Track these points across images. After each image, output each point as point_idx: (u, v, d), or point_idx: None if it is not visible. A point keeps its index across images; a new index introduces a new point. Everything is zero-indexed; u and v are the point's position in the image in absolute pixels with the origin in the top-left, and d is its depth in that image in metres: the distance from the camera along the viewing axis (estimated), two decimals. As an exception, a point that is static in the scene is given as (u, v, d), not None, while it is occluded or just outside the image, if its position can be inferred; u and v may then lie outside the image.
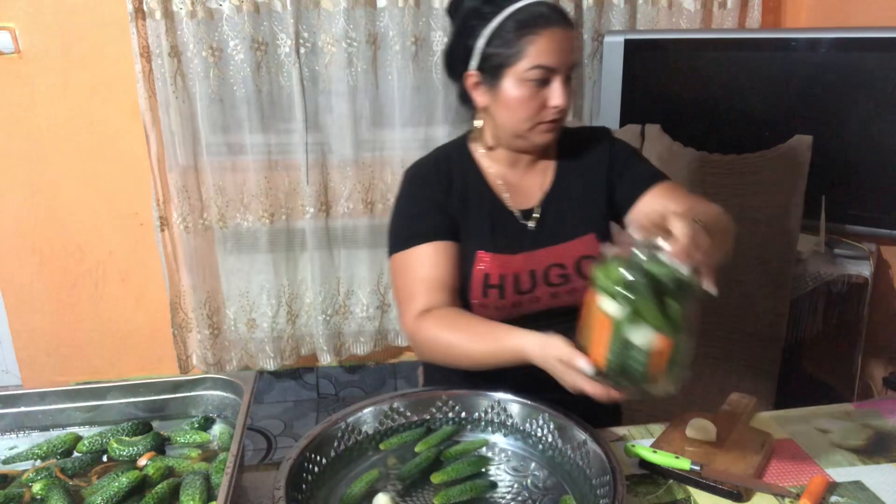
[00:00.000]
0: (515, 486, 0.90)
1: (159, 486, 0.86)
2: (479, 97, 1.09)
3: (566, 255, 1.10)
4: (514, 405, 0.98)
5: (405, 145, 2.26)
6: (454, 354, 1.00)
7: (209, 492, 0.84)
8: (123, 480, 0.86)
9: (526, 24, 1.01)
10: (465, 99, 1.14)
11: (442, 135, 2.26)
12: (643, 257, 0.75)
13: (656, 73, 2.09)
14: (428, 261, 1.06)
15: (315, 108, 2.20)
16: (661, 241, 0.77)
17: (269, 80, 2.15)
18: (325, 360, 2.43)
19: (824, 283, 1.94)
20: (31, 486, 0.88)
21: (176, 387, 1.03)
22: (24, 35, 2.09)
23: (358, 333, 2.45)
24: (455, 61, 1.10)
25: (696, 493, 0.90)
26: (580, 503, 0.83)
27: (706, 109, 2.07)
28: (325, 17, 2.11)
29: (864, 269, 1.92)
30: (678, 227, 0.76)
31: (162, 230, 2.22)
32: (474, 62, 1.05)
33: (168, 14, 2.02)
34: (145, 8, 2.01)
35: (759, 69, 1.95)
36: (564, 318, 1.05)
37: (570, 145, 1.17)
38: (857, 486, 0.91)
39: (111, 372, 2.43)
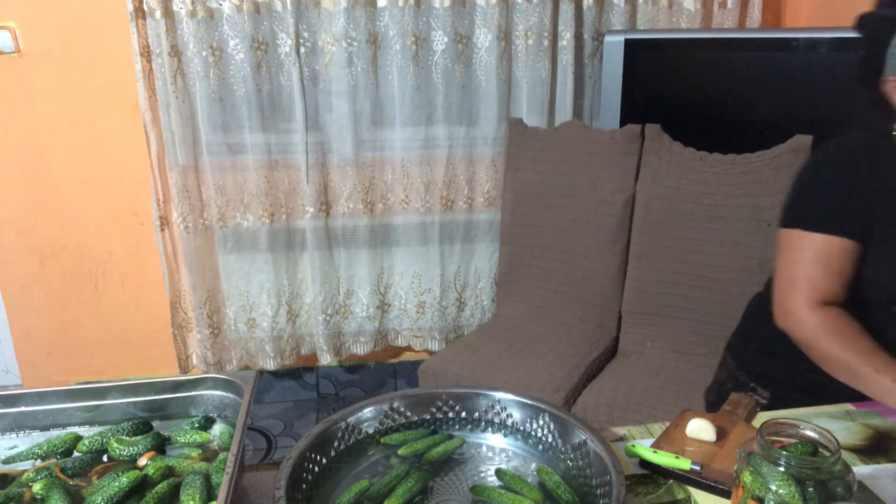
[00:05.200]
0: (515, 485, 0.90)
1: (159, 485, 0.86)
2: None
3: None
4: (514, 405, 0.98)
5: (405, 145, 2.26)
6: (825, 357, 1.05)
7: (209, 492, 0.84)
8: (123, 480, 0.86)
9: None
10: (878, 103, 1.11)
11: (442, 135, 2.26)
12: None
13: (656, 73, 2.09)
14: (834, 253, 1.06)
15: (315, 107, 2.20)
16: None
17: (269, 80, 2.15)
18: (325, 359, 2.43)
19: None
20: (31, 486, 0.88)
21: (176, 387, 1.03)
22: (24, 35, 2.09)
23: (358, 333, 2.45)
24: (868, 71, 1.09)
25: (696, 493, 0.90)
26: (581, 502, 0.83)
27: (706, 109, 2.07)
28: (325, 17, 2.11)
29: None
30: None
31: (162, 230, 2.22)
32: (888, 68, 1.05)
33: (168, 14, 2.02)
34: (145, 7, 2.01)
35: (759, 69, 1.95)
36: None
37: None
38: (858, 486, 0.91)
39: (111, 372, 2.44)
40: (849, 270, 1.07)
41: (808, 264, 1.08)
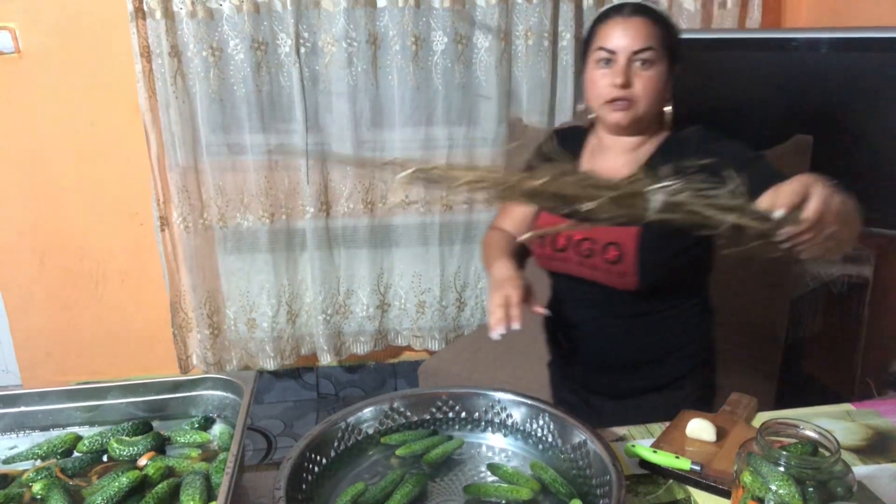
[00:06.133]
0: (515, 486, 0.90)
1: (159, 486, 0.86)
2: None
3: (602, 235, 1.21)
4: (514, 405, 0.98)
5: (405, 145, 2.26)
6: (482, 250, 1.36)
7: (209, 492, 0.84)
8: (123, 480, 0.86)
9: (600, 17, 1.23)
10: None
11: (442, 135, 2.26)
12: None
13: (656, 73, 2.09)
14: (516, 209, 1.39)
15: (315, 108, 2.20)
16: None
17: (269, 80, 2.15)
18: (325, 359, 2.43)
19: (824, 283, 1.94)
20: (31, 486, 0.88)
21: (176, 387, 1.03)
22: (24, 35, 2.09)
23: (358, 333, 2.45)
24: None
25: (696, 493, 0.90)
26: (582, 500, 0.83)
27: (706, 109, 2.06)
28: (325, 17, 2.11)
29: (864, 269, 1.92)
30: (815, 193, 0.83)
31: (162, 230, 2.22)
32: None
33: (168, 14, 2.02)
34: (145, 8, 2.01)
35: (759, 69, 1.95)
36: (591, 290, 1.25)
37: (673, 147, 1.29)
38: (858, 486, 0.90)
39: (111, 372, 2.43)
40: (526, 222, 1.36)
41: (507, 213, 1.41)
